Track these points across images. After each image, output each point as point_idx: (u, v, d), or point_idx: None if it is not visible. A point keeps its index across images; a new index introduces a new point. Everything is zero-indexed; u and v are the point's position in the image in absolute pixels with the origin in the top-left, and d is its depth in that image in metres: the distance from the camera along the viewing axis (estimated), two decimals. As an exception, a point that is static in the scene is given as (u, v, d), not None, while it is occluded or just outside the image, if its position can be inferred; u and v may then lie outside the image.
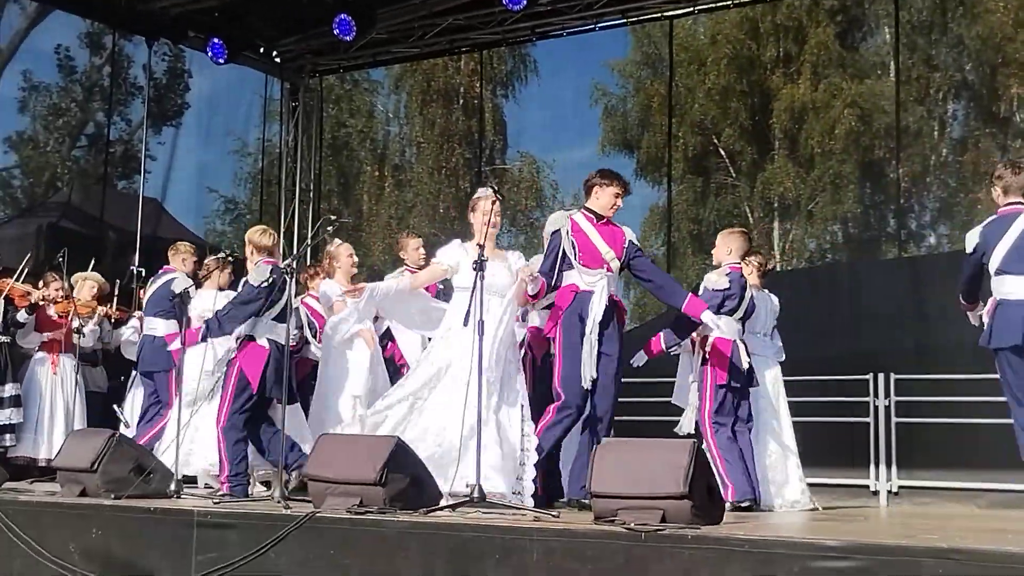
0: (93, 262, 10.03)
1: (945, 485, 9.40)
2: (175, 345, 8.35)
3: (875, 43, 22.58)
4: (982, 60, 20.85)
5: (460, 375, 6.31)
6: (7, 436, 9.31)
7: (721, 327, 7.08)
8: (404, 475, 5.68)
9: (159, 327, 9.17)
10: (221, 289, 8.46)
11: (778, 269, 21.68)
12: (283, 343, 7.37)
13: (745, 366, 7.31)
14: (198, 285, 8.93)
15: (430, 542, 5.12)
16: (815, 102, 21.57)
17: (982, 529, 5.52)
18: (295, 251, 13.69)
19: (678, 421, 7.60)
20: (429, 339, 7.51)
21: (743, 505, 6.90)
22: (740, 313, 7.43)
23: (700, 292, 7.40)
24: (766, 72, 22.49)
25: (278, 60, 14.12)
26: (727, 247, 7.62)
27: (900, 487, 9.58)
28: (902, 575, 4.07)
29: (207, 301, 8.22)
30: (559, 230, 6.90)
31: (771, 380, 7.92)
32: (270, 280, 7.51)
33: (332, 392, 8.26)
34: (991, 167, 19.95)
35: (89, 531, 6.25)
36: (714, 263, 7.73)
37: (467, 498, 5.82)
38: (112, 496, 6.52)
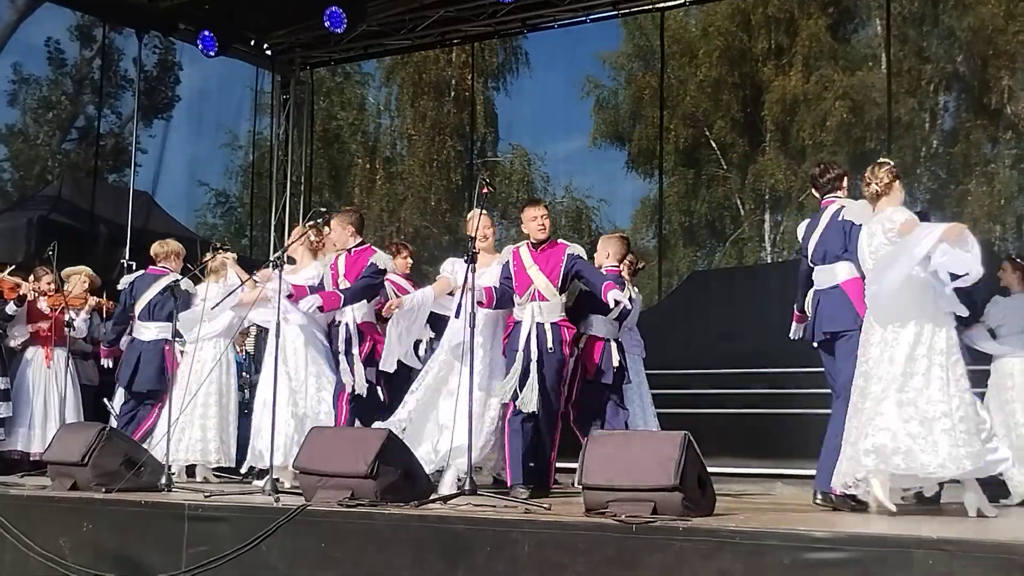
0: (54, 247, 9.77)
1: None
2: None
3: (866, 35, 22.58)
4: (973, 52, 20.86)
5: None
6: (-2, 430, 9.29)
7: None
8: (395, 468, 5.68)
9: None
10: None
11: (768, 260, 21.74)
12: (146, 339, 8.83)
13: (616, 364, 7.45)
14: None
15: (421, 535, 5.12)
16: (806, 94, 21.58)
17: (970, 519, 5.53)
18: (286, 244, 13.69)
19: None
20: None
21: None
22: (615, 313, 7.46)
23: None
24: (757, 64, 22.48)
25: (269, 53, 14.08)
26: (606, 251, 7.78)
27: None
28: (892, 566, 4.08)
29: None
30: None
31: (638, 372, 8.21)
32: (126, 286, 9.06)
33: None
34: (981, 158, 19.98)
35: (80, 525, 6.25)
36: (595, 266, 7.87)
37: (459, 491, 5.83)
38: (103, 490, 6.51)
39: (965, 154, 20.75)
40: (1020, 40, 19.67)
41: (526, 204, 7.47)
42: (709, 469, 5.21)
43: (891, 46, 17.89)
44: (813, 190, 6.63)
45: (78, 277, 9.89)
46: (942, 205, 20.79)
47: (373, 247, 7.93)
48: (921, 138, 21.37)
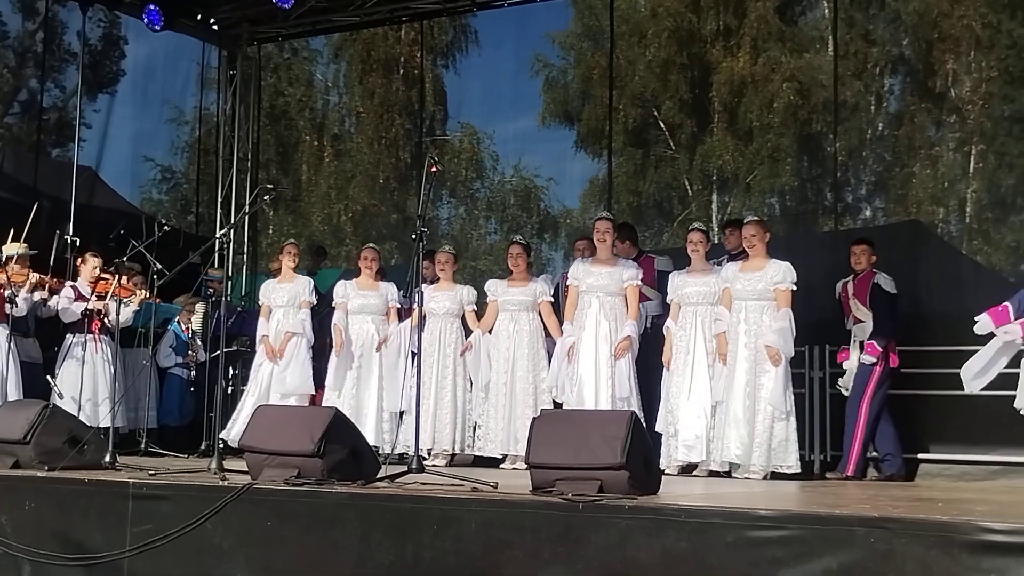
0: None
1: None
2: None
3: (814, 17, 22.68)
4: (919, 35, 21.02)
5: None
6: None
7: None
8: (342, 446, 5.67)
9: None
10: None
11: (716, 241, 21.84)
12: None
13: None
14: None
15: (368, 513, 5.12)
16: (754, 76, 21.65)
17: (912, 498, 5.62)
18: (232, 221, 13.57)
19: None
20: None
21: None
22: None
23: None
24: (706, 45, 22.51)
25: (215, 27, 13.91)
26: None
27: (833, 456, 9.66)
28: (835, 543, 4.13)
29: None
30: None
31: None
32: None
33: None
34: (926, 141, 20.12)
35: (22, 504, 6.18)
36: None
37: (405, 468, 5.83)
38: (45, 468, 6.44)
39: (910, 137, 20.92)
40: (965, 24, 19.85)
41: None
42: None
43: (838, 29, 17.98)
44: None
45: (16, 252, 9.73)
46: (887, 188, 20.98)
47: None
48: (867, 120, 21.52)
